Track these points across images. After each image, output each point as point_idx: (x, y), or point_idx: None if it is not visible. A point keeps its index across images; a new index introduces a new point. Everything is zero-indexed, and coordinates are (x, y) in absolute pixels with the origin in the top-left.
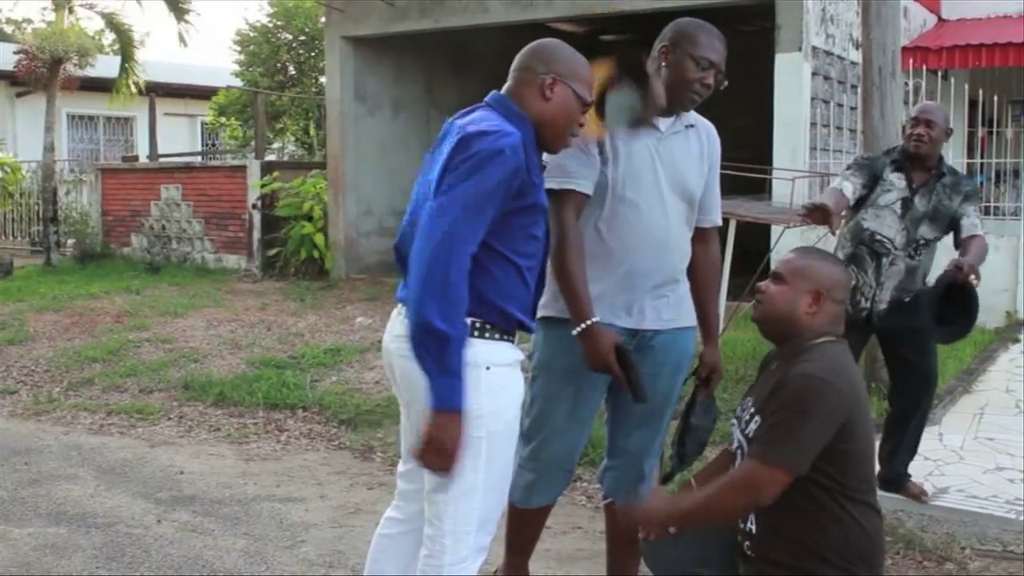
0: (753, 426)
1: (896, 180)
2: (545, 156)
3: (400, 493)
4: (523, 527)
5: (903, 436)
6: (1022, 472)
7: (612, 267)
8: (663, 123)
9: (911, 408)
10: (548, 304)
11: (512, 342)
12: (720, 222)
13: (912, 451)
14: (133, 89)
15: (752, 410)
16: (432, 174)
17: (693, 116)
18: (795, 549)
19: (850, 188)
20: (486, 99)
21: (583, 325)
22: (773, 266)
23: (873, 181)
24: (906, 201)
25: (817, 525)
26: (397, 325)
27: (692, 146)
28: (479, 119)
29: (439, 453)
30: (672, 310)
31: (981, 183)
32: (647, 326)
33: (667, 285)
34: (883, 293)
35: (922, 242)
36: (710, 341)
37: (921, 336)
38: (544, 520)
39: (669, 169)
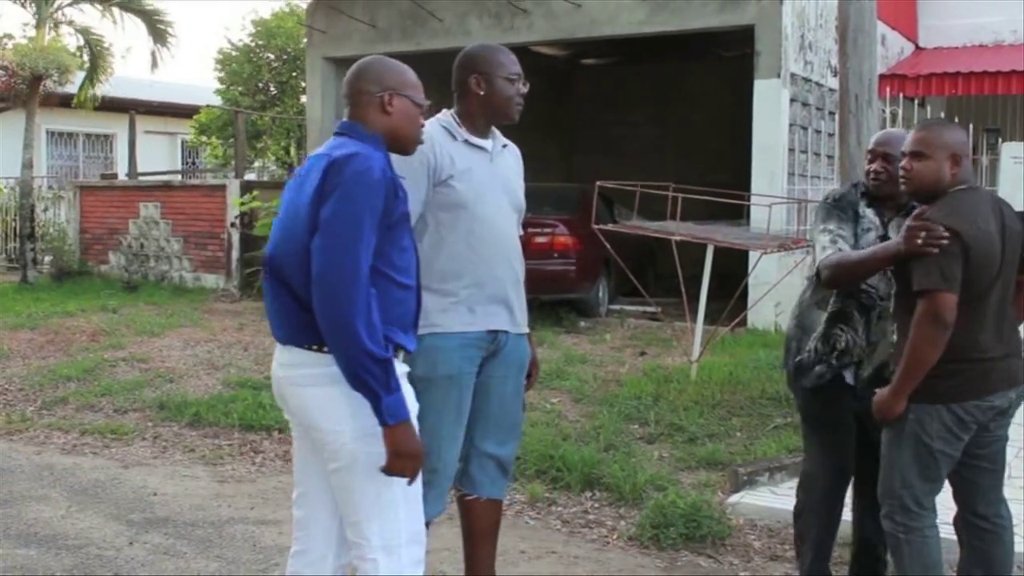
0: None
1: (872, 216)
2: None
3: (298, 522)
4: None
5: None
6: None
7: (477, 277)
8: (486, 143)
9: (839, 503)
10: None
11: (399, 356)
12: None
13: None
14: (98, 99)
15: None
16: (303, 198)
17: (502, 137)
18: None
19: (849, 239)
20: (336, 129)
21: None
22: (908, 145)
23: (851, 219)
24: (883, 240)
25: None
26: (284, 354)
27: (512, 163)
28: (339, 146)
29: (407, 458)
30: (522, 314)
31: None
32: (507, 328)
33: (519, 289)
34: (875, 355)
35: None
36: (529, 341)
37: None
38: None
39: (504, 184)
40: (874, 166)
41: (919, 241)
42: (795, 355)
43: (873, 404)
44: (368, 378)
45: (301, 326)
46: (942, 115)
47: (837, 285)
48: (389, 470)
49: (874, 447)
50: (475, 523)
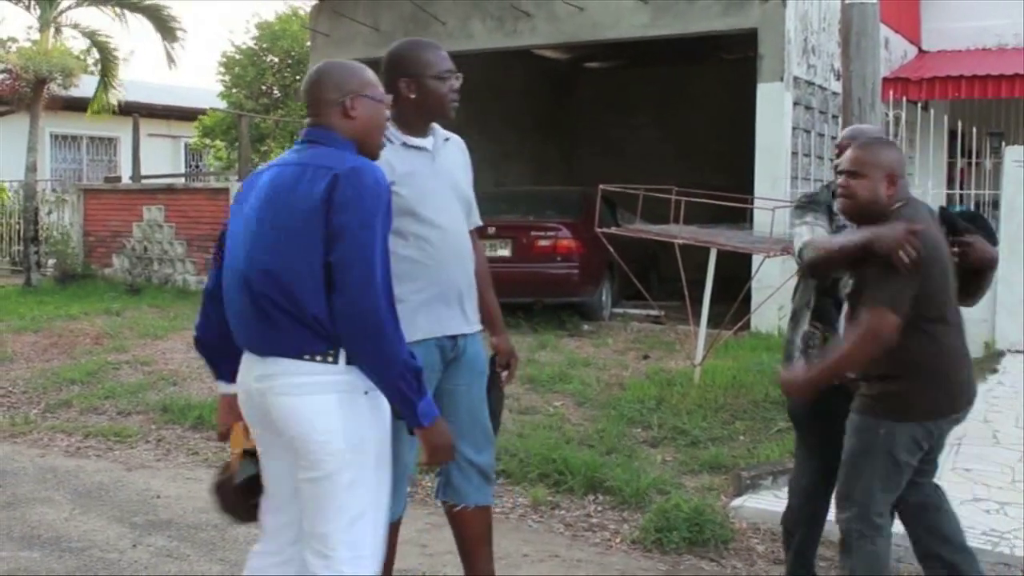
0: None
1: None
2: None
3: (268, 530)
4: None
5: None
6: (998, 503)
7: (431, 281)
8: (426, 142)
9: (823, 505)
10: None
11: None
12: (480, 223)
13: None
14: (113, 102)
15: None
16: (294, 211)
17: (443, 131)
18: (888, 362)
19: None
20: (307, 139)
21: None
22: (844, 164)
23: (826, 216)
24: None
25: (903, 342)
26: (265, 366)
27: (457, 156)
28: (324, 156)
29: (444, 451)
30: (474, 313)
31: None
32: (465, 330)
33: (472, 289)
34: None
35: None
36: (499, 331)
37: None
38: (396, 538)
39: (450, 180)
40: (840, 180)
41: (902, 255)
42: (788, 358)
43: (781, 377)
44: (404, 387)
45: (293, 337)
46: (945, 118)
47: (816, 270)
48: (430, 463)
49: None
50: (468, 530)
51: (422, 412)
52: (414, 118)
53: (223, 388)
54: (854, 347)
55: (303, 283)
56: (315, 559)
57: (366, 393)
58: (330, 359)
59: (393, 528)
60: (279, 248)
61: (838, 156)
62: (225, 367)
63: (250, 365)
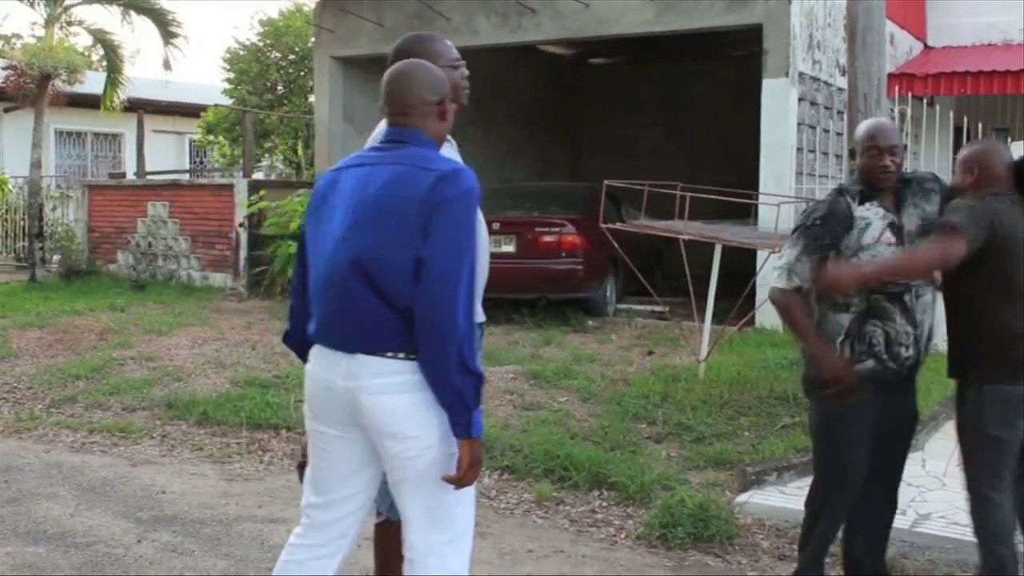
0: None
1: (868, 212)
2: None
3: (317, 524)
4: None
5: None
6: None
7: None
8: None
9: (876, 530)
10: None
11: None
12: None
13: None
14: (119, 101)
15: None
16: (395, 204)
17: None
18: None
19: (804, 274)
20: (396, 139)
21: None
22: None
23: (845, 228)
24: (894, 226)
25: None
26: (352, 364)
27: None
28: (422, 156)
29: (478, 467)
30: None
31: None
32: None
33: None
34: (923, 332)
35: None
36: None
37: (912, 424)
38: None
39: None
40: (884, 161)
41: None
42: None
43: (828, 271)
44: (466, 393)
45: (387, 332)
46: (951, 114)
47: (775, 304)
48: (462, 480)
49: (886, 459)
50: (388, 546)
51: (474, 421)
52: None
53: None
54: (918, 254)
55: (400, 280)
56: (415, 549)
57: None
58: (415, 356)
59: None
60: (378, 244)
61: (875, 157)
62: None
63: (333, 362)
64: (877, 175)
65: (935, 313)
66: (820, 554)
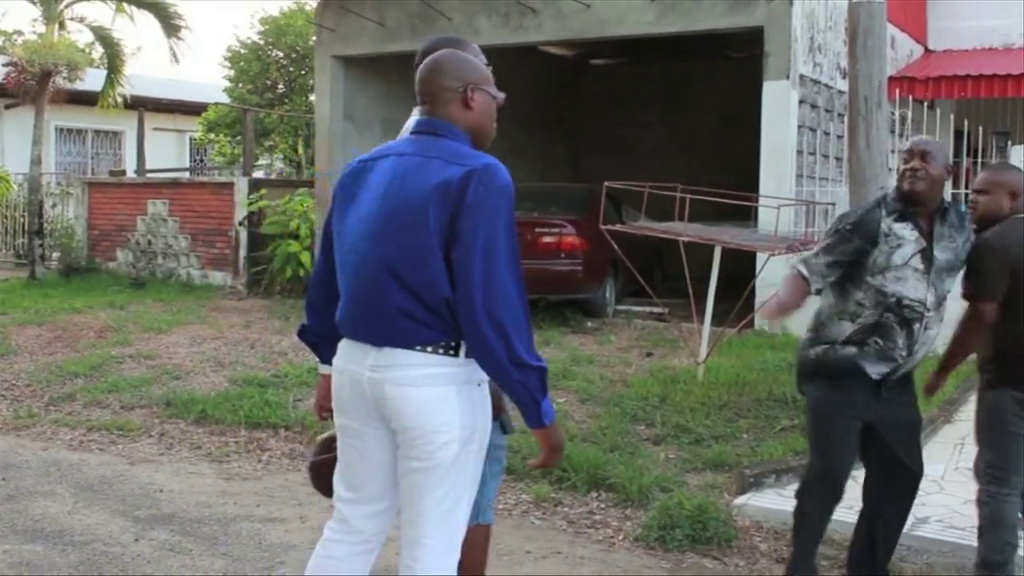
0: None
1: (904, 231)
2: None
3: (352, 519)
4: None
5: (890, 537)
6: None
7: None
8: None
9: (897, 515)
10: None
11: None
12: None
13: (892, 550)
14: (119, 100)
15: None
16: (420, 199)
17: None
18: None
19: (818, 282)
20: (425, 129)
21: None
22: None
23: (871, 242)
24: (925, 253)
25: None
26: (381, 356)
27: None
28: (454, 150)
29: (560, 451)
30: None
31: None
32: None
33: None
34: (911, 361)
35: (944, 298)
36: None
37: (915, 431)
38: (488, 544)
39: None
40: (912, 164)
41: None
42: (809, 366)
43: (926, 386)
44: (530, 386)
45: (415, 328)
46: (951, 117)
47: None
48: (546, 465)
49: (886, 455)
50: None
51: (545, 411)
52: None
53: (326, 370)
54: (971, 337)
55: (428, 275)
56: (411, 548)
57: (479, 384)
58: (451, 352)
59: (486, 533)
60: (410, 238)
61: (907, 161)
62: (328, 351)
63: (359, 354)
64: (903, 179)
65: (934, 343)
66: (808, 544)
